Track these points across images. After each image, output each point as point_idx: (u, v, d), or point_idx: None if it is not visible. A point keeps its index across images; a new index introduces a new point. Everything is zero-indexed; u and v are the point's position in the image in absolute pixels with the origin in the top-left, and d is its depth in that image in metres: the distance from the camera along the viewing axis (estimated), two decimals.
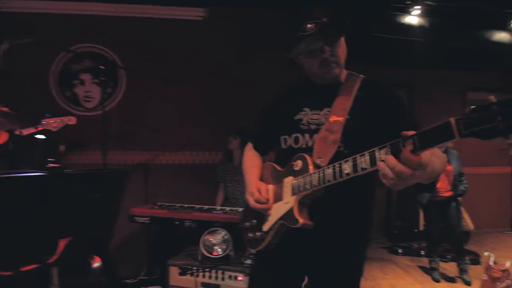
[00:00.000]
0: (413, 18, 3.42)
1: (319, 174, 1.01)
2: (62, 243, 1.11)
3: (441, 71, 4.72)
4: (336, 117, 1.11)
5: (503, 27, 3.90)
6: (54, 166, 0.95)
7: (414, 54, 3.87)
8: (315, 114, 1.16)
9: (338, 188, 0.97)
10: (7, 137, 1.86)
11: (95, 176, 1.10)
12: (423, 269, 3.69)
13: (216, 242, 2.24)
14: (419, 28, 3.45)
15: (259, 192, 1.18)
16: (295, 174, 1.10)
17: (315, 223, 1.06)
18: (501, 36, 3.96)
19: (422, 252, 4.07)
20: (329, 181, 0.97)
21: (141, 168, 3.22)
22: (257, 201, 1.17)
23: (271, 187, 1.20)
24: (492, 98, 0.67)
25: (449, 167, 3.45)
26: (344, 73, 1.21)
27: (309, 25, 1.06)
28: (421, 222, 4.55)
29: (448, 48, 3.80)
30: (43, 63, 3.03)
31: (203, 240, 2.23)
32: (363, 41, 3.57)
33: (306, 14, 1.08)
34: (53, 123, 2.03)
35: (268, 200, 1.16)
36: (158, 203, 2.74)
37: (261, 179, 1.28)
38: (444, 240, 3.63)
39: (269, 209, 1.15)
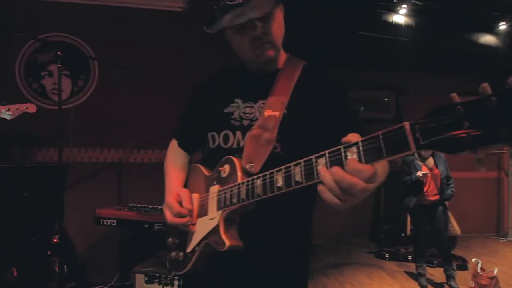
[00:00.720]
0: (400, 17, 3.35)
1: (247, 186, 0.81)
2: None
3: (429, 73, 4.69)
4: (271, 111, 0.92)
5: (490, 30, 3.88)
6: None
7: (401, 55, 3.80)
8: (248, 107, 0.97)
9: (272, 199, 0.78)
10: None
11: (22, 171, 0.93)
12: (410, 274, 3.62)
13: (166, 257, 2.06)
14: (406, 28, 3.38)
15: (180, 203, 0.95)
16: (222, 182, 0.91)
17: (246, 241, 0.87)
18: (487, 38, 3.94)
19: (409, 257, 4.00)
20: (258, 195, 0.78)
21: (114, 166, 3.03)
22: (177, 215, 0.94)
23: (196, 196, 0.98)
24: (455, 96, 0.50)
25: (436, 171, 3.39)
26: (282, 57, 1.02)
27: None
28: (409, 226, 4.49)
29: (436, 50, 3.74)
30: (8, 52, 2.82)
31: None
32: (349, 41, 3.49)
33: None
34: (7, 111, 1.82)
35: (191, 211, 0.94)
36: (130, 204, 2.57)
37: (186, 184, 1.07)
38: (431, 245, 3.57)
39: (192, 224, 0.94)
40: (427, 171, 3.33)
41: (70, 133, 2.14)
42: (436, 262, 3.80)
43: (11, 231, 0.94)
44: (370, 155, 0.59)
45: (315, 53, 3.92)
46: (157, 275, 2.01)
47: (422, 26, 3.44)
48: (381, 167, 0.79)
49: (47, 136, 2.74)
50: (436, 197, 3.37)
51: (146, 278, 2.00)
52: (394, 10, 3.32)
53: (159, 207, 2.46)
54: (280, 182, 0.73)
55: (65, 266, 1.96)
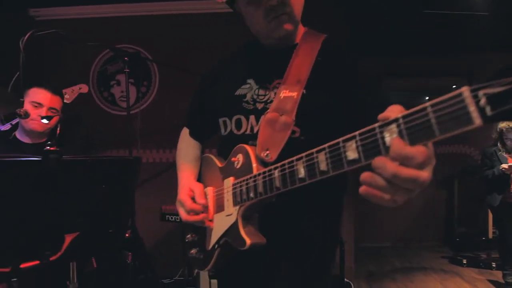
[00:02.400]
0: None
1: (264, 178, 0.72)
2: (68, 239, 1.01)
3: (507, 53, 4.06)
4: (288, 92, 0.82)
5: None
6: (50, 150, 0.84)
7: (474, 34, 3.33)
8: (262, 88, 0.87)
9: (295, 190, 0.68)
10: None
11: (100, 164, 0.99)
12: (496, 284, 3.16)
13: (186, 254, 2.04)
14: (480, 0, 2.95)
15: (193, 198, 0.89)
16: (236, 174, 0.83)
17: (268, 237, 0.78)
18: None
19: (494, 264, 3.49)
20: (277, 188, 0.69)
21: (175, 166, 3.19)
22: (190, 212, 0.88)
23: (210, 190, 0.91)
24: None
25: None
26: (300, 31, 0.91)
27: None
28: (491, 228, 3.94)
29: None
30: (84, 65, 3.16)
31: None
32: (409, 20, 3.15)
33: None
34: (65, 95, 1.91)
35: (205, 207, 0.88)
36: None
37: (200, 177, 0.99)
38: None
39: (209, 220, 0.88)
40: None
41: (138, 136, 2.28)
42: None
43: (91, 222, 1.01)
44: (416, 134, 0.45)
45: (375, 39, 3.67)
46: None
47: None
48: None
49: (117, 140, 2.99)
50: None
51: (210, 273, 2.04)
52: None
53: None
54: (302, 173, 0.63)
55: (136, 260, 2.10)
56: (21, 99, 1.57)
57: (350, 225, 3.04)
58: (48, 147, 0.86)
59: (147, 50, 3.18)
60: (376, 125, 0.50)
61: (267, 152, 0.78)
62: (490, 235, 3.97)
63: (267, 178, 0.72)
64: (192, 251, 0.96)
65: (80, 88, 2.00)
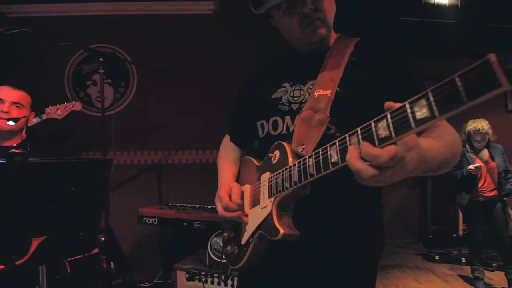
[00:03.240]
0: None
1: (299, 167, 0.75)
2: (35, 242, 0.99)
3: (478, 58, 4.27)
4: (322, 90, 0.85)
5: None
6: (15, 152, 0.82)
7: (445, 39, 3.50)
8: (296, 90, 0.91)
9: (330, 183, 0.72)
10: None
11: (69, 167, 0.98)
12: (465, 278, 3.32)
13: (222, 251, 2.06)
14: (451, 8, 3.11)
15: (230, 196, 0.93)
16: (272, 168, 0.86)
17: (302, 232, 0.80)
18: None
19: (463, 260, 3.66)
20: (311, 175, 0.70)
21: (154, 168, 3.16)
22: (226, 209, 0.92)
23: (247, 187, 0.95)
24: None
25: (493, 164, 3.08)
26: (333, 36, 0.96)
27: None
28: (461, 225, 4.13)
29: (486, 30, 3.39)
30: (57, 64, 3.07)
31: (211, 243, 2.08)
32: (385, 26, 3.29)
33: None
34: (57, 111, 1.96)
35: (241, 205, 0.91)
36: (170, 204, 2.65)
37: (239, 178, 1.04)
38: (489, 246, 3.24)
39: (244, 215, 0.91)
40: (481, 164, 3.03)
41: (113, 137, 2.25)
42: (495, 265, 3.45)
43: (59, 225, 1.00)
44: (445, 103, 0.46)
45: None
46: (197, 272, 2.04)
47: (470, 5, 3.13)
48: (439, 141, 0.68)
49: (93, 141, 2.93)
50: (494, 193, 3.06)
51: (187, 275, 2.03)
52: None
53: (197, 205, 2.50)
54: (334, 157, 0.64)
55: (111, 263, 2.06)
56: None
57: None
58: (13, 149, 0.84)
59: (125, 51, 3.13)
60: (406, 102, 0.51)
61: (303, 147, 0.81)
62: (461, 232, 4.16)
63: (301, 167, 0.74)
64: (228, 247, 0.98)
65: (72, 106, 2.07)
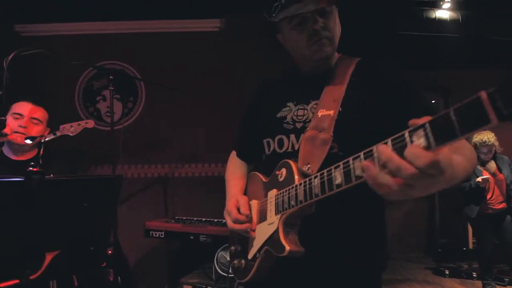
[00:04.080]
0: (444, 12, 3.15)
1: (305, 186, 0.78)
2: (48, 257, 1.02)
3: (480, 70, 4.30)
4: (325, 110, 0.88)
5: None
6: (33, 171, 0.86)
7: (448, 52, 3.54)
8: (300, 109, 0.95)
9: (336, 201, 0.73)
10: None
11: (82, 183, 1.01)
12: None
13: (228, 264, 2.06)
14: (452, 22, 3.16)
15: (238, 209, 0.96)
16: (279, 186, 0.89)
17: (308, 249, 0.82)
18: None
19: (474, 274, 3.57)
20: (316, 195, 0.74)
21: (160, 181, 3.19)
22: (235, 221, 0.95)
23: (255, 202, 0.98)
24: None
25: (501, 176, 3.05)
26: (335, 56, 1.00)
27: None
28: (471, 239, 4.05)
29: (486, 43, 3.43)
30: (69, 81, 3.17)
31: (217, 257, 2.08)
32: (389, 41, 3.35)
33: None
34: (71, 128, 2.03)
35: (249, 217, 0.94)
36: (176, 217, 2.66)
37: (246, 192, 1.07)
38: (501, 260, 3.17)
39: (252, 230, 0.93)
40: (488, 176, 3.00)
41: (121, 151, 2.30)
42: (507, 279, 3.35)
43: (72, 240, 1.02)
44: (440, 135, 0.49)
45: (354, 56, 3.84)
46: (204, 286, 2.03)
47: (470, 19, 3.19)
48: (460, 156, 0.69)
49: (101, 155, 2.98)
50: (503, 205, 3.02)
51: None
52: (436, 6, 3.13)
53: (204, 219, 2.51)
54: (338, 179, 0.67)
55: (118, 277, 2.07)
56: (3, 118, 1.58)
57: None
58: (31, 168, 0.88)
59: (133, 67, 3.22)
60: (406, 130, 0.54)
61: (308, 165, 0.84)
62: (471, 246, 4.07)
63: (307, 187, 0.77)
64: (235, 261, 1.00)
65: (86, 123, 2.16)
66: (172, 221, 2.50)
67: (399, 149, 0.55)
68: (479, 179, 2.96)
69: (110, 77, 1.90)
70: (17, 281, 0.93)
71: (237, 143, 1.20)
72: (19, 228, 0.90)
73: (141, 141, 3.13)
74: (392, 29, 2.99)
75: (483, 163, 3.10)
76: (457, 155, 0.70)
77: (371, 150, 0.60)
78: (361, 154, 0.62)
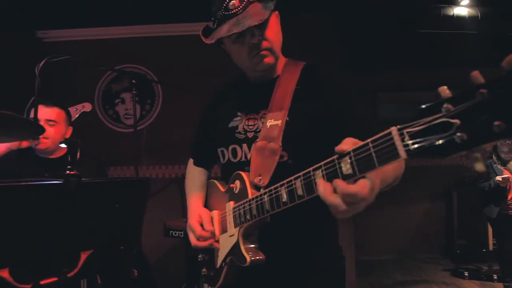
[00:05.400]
0: (463, 9, 3.09)
1: (257, 202, 0.83)
2: (83, 256, 1.07)
3: (498, 68, 4.19)
4: (273, 120, 0.91)
5: None
6: (71, 174, 0.91)
7: (466, 49, 3.47)
8: (251, 118, 0.97)
9: (288, 210, 0.77)
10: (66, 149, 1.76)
11: (114, 185, 1.06)
12: None
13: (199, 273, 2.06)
14: (470, 19, 3.10)
15: (201, 225, 0.99)
16: (235, 198, 0.93)
17: (268, 254, 0.87)
18: None
19: (495, 276, 3.49)
20: (267, 211, 0.80)
21: (177, 181, 3.24)
22: (200, 238, 0.97)
23: (216, 213, 1.01)
24: (444, 90, 0.45)
25: None
26: (281, 63, 1.00)
27: (232, 1, 0.87)
28: (491, 240, 3.96)
29: (506, 40, 3.34)
30: (89, 84, 3.26)
31: None
32: (407, 40, 3.31)
33: None
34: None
35: (213, 233, 0.97)
36: None
37: (207, 201, 1.09)
38: None
39: (215, 241, 0.97)
40: (509, 175, 2.94)
41: (143, 152, 2.34)
42: None
43: (104, 240, 1.07)
44: (362, 165, 0.57)
45: (374, 57, 3.81)
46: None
47: (489, 16, 3.12)
48: (392, 169, 0.75)
49: (122, 157, 3.06)
50: None
51: None
52: (455, 3, 3.07)
53: None
54: (284, 197, 0.75)
55: (140, 276, 2.12)
56: (38, 122, 1.59)
57: (350, 239, 3.07)
58: (69, 171, 0.92)
59: (149, 69, 3.28)
60: (335, 157, 0.62)
61: (260, 177, 0.88)
62: (491, 247, 3.98)
63: (259, 202, 0.83)
64: (204, 270, 1.05)
65: (83, 107, 1.99)
66: None
67: (330, 174, 0.63)
68: (499, 178, 2.90)
69: (133, 81, 1.95)
70: (55, 278, 0.98)
71: (192, 152, 1.22)
72: (58, 228, 0.95)
73: (158, 142, 3.19)
74: (411, 27, 2.96)
75: (504, 162, 3.03)
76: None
77: (309, 172, 0.68)
78: (301, 175, 0.70)
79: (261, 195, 0.82)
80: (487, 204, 3.08)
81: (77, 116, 1.95)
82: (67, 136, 1.79)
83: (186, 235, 2.36)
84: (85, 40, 3.27)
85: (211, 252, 1.03)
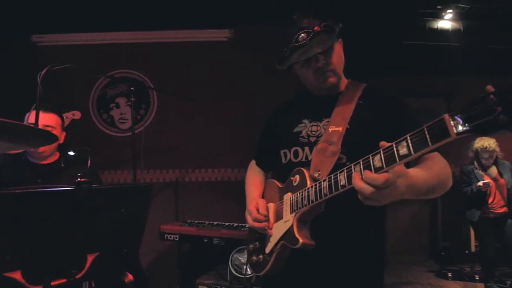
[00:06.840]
0: (446, 22, 3.26)
1: (315, 188, 0.94)
2: (90, 258, 1.12)
3: (481, 76, 4.40)
4: (334, 127, 1.06)
5: None
6: (81, 181, 0.96)
7: (451, 60, 3.65)
8: (314, 125, 1.12)
9: (341, 203, 0.89)
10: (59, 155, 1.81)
11: (121, 191, 1.11)
12: None
13: (246, 261, 2.17)
14: (454, 32, 3.27)
15: (257, 210, 1.12)
16: (293, 190, 1.04)
17: (318, 242, 0.97)
18: None
19: (477, 277, 3.64)
20: (325, 194, 0.89)
21: (171, 186, 3.29)
22: (255, 220, 1.11)
23: (271, 205, 1.14)
24: (490, 87, 0.59)
25: (502, 180, 3.14)
26: (344, 82, 1.17)
27: (301, 35, 1.03)
28: (473, 242, 4.12)
29: (488, 51, 3.54)
30: (83, 89, 3.28)
31: (232, 259, 2.17)
32: (393, 50, 3.45)
33: (298, 24, 1.05)
34: None
35: (267, 217, 1.10)
36: (188, 220, 2.75)
37: (264, 197, 1.23)
38: (503, 263, 3.24)
39: (269, 228, 1.09)
40: (489, 180, 3.10)
41: (142, 156, 2.39)
42: (509, 282, 3.43)
43: (109, 242, 1.12)
44: (418, 145, 0.67)
45: (358, 65, 3.94)
46: (219, 287, 2.13)
47: (471, 29, 3.30)
48: (424, 179, 0.86)
49: (117, 160, 3.09)
50: (504, 209, 3.11)
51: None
52: (439, 16, 3.24)
53: (215, 222, 2.60)
54: (343, 181, 0.84)
55: (133, 278, 2.15)
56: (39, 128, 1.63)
57: None
58: (80, 178, 0.98)
59: (145, 75, 3.33)
60: (393, 142, 0.73)
61: (319, 172, 1.00)
62: (473, 249, 4.14)
63: (317, 188, 0.93)
64: (253, 257, 1.15)
65: (73, 115, 2.11)
66: (186, 224, 2.60)
67: (389, 156, 0.73)
68: (480, 183, 3.05)
69: (132, 88, 2.00)
70: (65, 280, 1.02)
71: (256, 154, 1.37)
72: (68, 231, 1.00)
73: (152, 147, 3.23)
74: (396, 38, 3.11)
75: (485, 168, 3.19)
76: (421, 171, 0.89)
77: (368, 157, 0.77)
78: (360, 161, 0.80)
79: (320, 182, 0.92)
80: (469, 208, 3.22)
81: (67, 123, 2.04)
82: (61, 141, 1.84)
83: (181, 238, 2.44)
84: (81, 45, 3.30)
85: (261, 241, 1.13)
